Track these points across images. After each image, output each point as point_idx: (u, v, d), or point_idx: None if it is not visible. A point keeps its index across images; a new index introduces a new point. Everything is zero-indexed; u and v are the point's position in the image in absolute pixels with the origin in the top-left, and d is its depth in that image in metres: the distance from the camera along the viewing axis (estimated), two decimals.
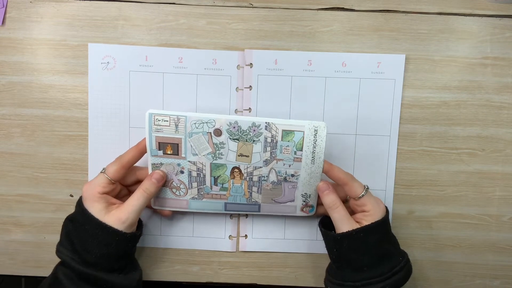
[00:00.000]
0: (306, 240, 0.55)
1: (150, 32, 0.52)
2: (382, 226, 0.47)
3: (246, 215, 0.54)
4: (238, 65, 0.52)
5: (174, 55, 0.52)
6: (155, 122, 0.46)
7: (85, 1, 0.52)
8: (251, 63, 0.52)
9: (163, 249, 0.55)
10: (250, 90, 0.52)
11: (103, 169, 0.47)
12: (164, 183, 0.49)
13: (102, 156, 0.53)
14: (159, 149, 0.48)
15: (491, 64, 0.52)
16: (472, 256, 0.56)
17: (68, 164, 0.54)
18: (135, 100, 0.53)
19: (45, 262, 0.56)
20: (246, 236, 0.55)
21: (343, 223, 0.46)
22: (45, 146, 0.54)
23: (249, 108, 0.53)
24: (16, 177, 0.54)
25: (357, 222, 0.47)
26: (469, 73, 0.53)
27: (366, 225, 0.46)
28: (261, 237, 0.55)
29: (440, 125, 0.53)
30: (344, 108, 0.53)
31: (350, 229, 0.46)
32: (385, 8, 0.52)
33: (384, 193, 0.54)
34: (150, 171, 0.49)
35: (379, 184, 0.54)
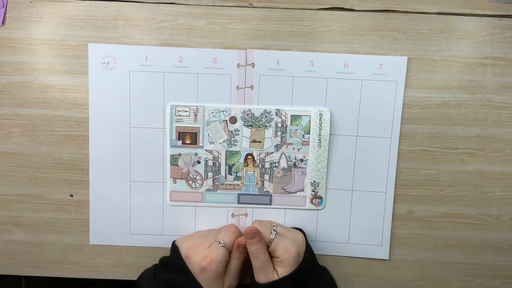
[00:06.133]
0: None
1: (150, 32, 0.52)
2: (293, 281, 0.46)
3: (246, 214, 0.55)
4: (239, 64, 0.52)
5: (174, 55, 0.52)
6: (176, 113, 0.51)
7: (85, 1, 0.52)
8: (253, 63, 0.52)
9: (163, 248, 0.55)
10: (252, 89, 0.53)
11: (220, 242, 0.47)
12: (181, 175, 0.53)
13: (102, 156, 0.53)
14: (179, 139, 0.52)
15: (491, 64, 0.52)
16: (472, 256, 0.56)
17: (68, 164, 0.54)
18: (135, 100, 0.53)
19: (45, 262, 0.56)
20: None
21: (259, 273, 0.47)
22: (45, 146, 0.54)
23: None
24: (16, 177, 0.54)
25: (275, 269, 0.47)
26: (469, 73, 0.53)
27: (273, 281, 0.46)
28: None
29: (440, 125, 0.53)
30: (346, 110, 0.53)
31: (265, 280, 0.46)
32: (385, 8, 0.52)
33: (384, 195, 0.54)
34: (168, 163, 0.53)
35: (379, 186, 0.54)
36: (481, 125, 0.53)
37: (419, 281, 0.56)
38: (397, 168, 0.54)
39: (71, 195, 0.55)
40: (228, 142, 0.53)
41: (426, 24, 0.52)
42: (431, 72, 0.53)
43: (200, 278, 0.46)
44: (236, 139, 0.53)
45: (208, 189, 0.54)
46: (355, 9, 0.52)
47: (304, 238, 0.50)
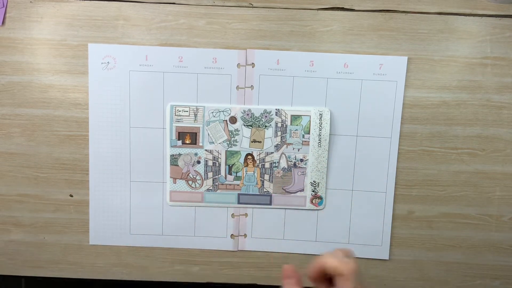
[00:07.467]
0: (306, 241, 0.55)
1: (150, 32, 0.52)
2: None
3: (246, 214, 0.55)
4: (238, 64, 0.52)
5: (174, 54, 0.52)
6: (176, 113, 0.51)
7: (85, 1, 0.52)
8: (253, 63, 0.52)
9: (163, 248, 0.55)
10: (252, 89, 0.53)
11: None
12: (181, 175, 0.53)
13: (102, 156, 0.53)
14: (179, 139, 0.52)
15: (491, 64, 0.52)
16: (472, 256, 0.56)
17: (68, 164, 0.54)
18: (135, 100, 0.53)
19: (45, 262, 0.56)
20: (245, 235, 0.55)
21: None
22: (45, 146, 0.54)
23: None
24: (16, 177, 0.54)
25: None
26: (469, 73, 0.53)
27: None
28: (260, 236, 0.55)
29: (440, 125, 0.53)
30: (346, 110, 0.53)
31: None
32: (385, 8, 0.52)
33: (384, 195, 0.54)
34: (168, 163, 0.53)
35: (379, 186, 0.54)
36: (481, 125, 0.53)
37: (419, 281, 0.56)
38: (397, 168, 0.54)
39: (71, 195, 0.55)
40: (228, 142, 0.53)
41: (426, 24, 0.52)
42: (431, 72, 0.53)
43: None
44: (236, 139, 0.53)
45: (208, 189, 0.54)
46: (355, 9, 0.52)
47: None
